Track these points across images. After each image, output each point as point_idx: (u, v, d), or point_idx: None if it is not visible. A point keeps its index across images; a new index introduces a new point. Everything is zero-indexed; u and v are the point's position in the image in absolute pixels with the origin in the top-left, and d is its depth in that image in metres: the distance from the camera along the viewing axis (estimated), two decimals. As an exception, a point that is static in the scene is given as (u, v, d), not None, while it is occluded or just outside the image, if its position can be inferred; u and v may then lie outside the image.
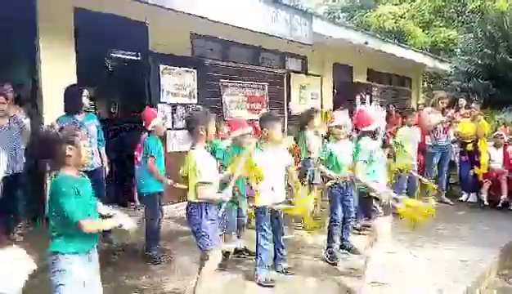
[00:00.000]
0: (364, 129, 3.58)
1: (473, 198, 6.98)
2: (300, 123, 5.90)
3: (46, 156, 2.28)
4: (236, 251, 4.17)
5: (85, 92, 4.38)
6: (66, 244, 2.20)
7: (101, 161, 4.60)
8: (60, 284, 2.18)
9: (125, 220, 2.35)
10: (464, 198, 7.07)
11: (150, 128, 4.24)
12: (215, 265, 3.10)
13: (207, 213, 2.99)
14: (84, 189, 2.26)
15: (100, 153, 4.60)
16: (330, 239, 4.27)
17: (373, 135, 3.60)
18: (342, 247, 4.45)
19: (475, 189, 6.94)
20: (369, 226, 3.82)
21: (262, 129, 3.73)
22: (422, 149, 6.98)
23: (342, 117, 4.58)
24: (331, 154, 4.28)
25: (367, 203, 3.50)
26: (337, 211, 4.27)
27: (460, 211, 6.43)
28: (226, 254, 3.72)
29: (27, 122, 4.65)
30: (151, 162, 4.13)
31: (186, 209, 3.10)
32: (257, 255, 3.72)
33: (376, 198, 3.43)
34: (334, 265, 4.15)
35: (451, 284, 3.70)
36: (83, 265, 2.24)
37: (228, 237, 4.07)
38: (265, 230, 3.67)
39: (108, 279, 2.50)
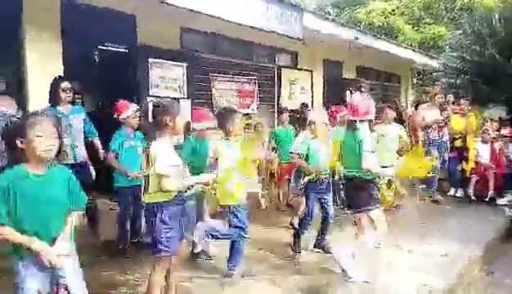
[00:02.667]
0: (364, 118, 3.61)
1: (460, 192, 7.06)
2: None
3: (7, 150, 2.16)
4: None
5: (64, 84, 4.27)
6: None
7: (97, 152, 4.57)
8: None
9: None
10: (452, 192, 7.16)
11: (121, 119, 4.24)
12: (162, 274, 2.86)
13: (162, 216, 2.74)
14: (26, 190, 2.06)
15: (94, 145, 4.57)
16: (299, 231, 4.33)
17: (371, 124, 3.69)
18: (316, 245, 4.42)
19: (463, 184, 7.03)
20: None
21: (222, 127, 3.63)
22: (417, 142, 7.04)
23: (315, 113, 4.54)
24: (309, 150, 4.26)
25: (366, 193, 3.55)
26: (311, 208, 4.24)
27: (447, 205, 6.51)
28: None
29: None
30: (110, 158, 4.14)
31: (145, 213, 2.94)
32: (233, 252, 3.64)
33: (377, 187, 3.54)
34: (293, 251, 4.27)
35: (434, 278, 3.74)
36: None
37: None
38: (244, 229, 3.55)
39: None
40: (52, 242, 2.13)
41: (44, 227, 2.12)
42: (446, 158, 7.17)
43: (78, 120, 4.38)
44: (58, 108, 4.22)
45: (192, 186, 3.04)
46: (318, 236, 4.42)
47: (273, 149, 6.54)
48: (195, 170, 3.53)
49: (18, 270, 2.12)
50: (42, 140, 2.09)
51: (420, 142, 7.04)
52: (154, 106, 2.95)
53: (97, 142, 4.60)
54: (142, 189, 2.87)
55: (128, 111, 4.25)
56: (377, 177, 3.68)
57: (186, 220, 3.01)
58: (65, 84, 4.28)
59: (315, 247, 4.44)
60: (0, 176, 2.09)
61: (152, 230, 2.78)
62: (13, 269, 2.14)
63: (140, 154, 4.20)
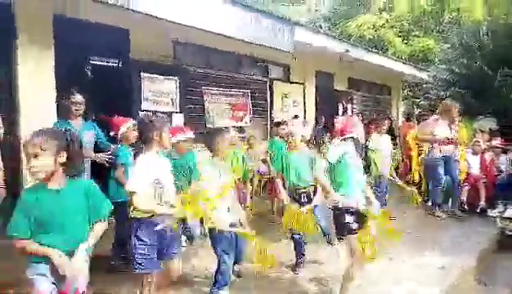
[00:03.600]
0: (346, 136, 3.48)
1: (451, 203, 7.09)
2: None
3: None
4: None
5: (75, 97, 4.25)
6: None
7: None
8: None
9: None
10: (439, 214, 7.09)
11: (119, 136, 4.16)
12: (146, 291, 2.78)
13: (138, 232, 2.70)
14: (42, 206, 2.15)
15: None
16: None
17: (357, 143, 3.50)
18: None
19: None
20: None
21: (210, 146, 3.49)
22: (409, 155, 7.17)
23: (294, 126, 4.55)
24: (288, 165, 4.23)
25: (339, 218, 3.30)
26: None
27: (439, 216, 6.52)
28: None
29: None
30: (120, 173, 3.97)
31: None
32: (216, 275, 3.43)
33: (351, 212, 3.24)
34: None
35: (426, 288, 3.74)
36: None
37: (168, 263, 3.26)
38: (227, 254, 3.36)
39: None
40: (72, 253, 2.18)
41: (62, 240, 2.18)
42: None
43: (88, 136, 4.32)
44: (70, 122, 4.17)
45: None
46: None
47: (264, 161, 6.53)
48: (179, 185, 3.42)
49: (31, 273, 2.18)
50: (27, 162, 2.15)
51: (416, 158, 7.11)
52: (139, 122, 2.95)
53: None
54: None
55: (125, 126, 4.17)
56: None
57: (169, 239, 2.86)
58: (77, 98, 4.25)
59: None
60: (22, 192, 2.21)
61: (129, 246, 2.75)
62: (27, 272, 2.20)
63: None
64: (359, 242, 3.24)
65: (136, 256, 2.71)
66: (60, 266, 2.12)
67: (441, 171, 6.47)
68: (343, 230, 3.30)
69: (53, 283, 2.18)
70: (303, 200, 4.17)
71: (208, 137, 3.61)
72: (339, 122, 3.74)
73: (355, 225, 3.25)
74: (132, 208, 2.75)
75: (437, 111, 6.90)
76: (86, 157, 4.24)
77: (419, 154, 7.18)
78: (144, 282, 2.78)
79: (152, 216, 2.70)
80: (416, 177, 7.24)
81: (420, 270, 4.21)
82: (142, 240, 2.71)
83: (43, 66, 4.92)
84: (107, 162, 4.27)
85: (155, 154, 2.81)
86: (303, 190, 4.20)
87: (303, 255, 4.31)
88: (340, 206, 3.24)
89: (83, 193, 2.29)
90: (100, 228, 2.35)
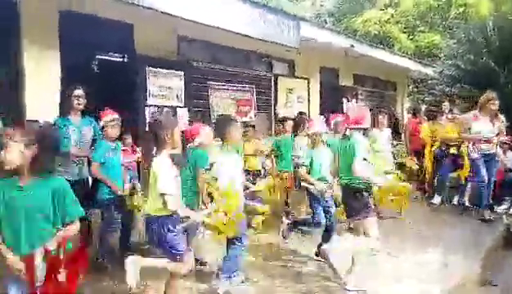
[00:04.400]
0: (358, 126, 3.65)
1: (456, 200, 7.08)
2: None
3: None
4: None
5: (77, 91, 4.20)
6: None
7: None
8: None
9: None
10: (435, 200, 7.11)
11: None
12: (185, 269, 3.00)
13: (169, 225, 2.84)
14: (4, 201, 2.12)
15: None
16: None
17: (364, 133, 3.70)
18: (318, 253, 4.40)
19: (459, 191, 7.05)
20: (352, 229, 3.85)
21: (220, 134, 3.56)
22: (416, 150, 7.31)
23: (319, 123, 4.59)
24: (312, 160, 4.30)
25: (360, 201, 3.54)
26: (320, 222, 4.27)
27: (443, 214, 6.51)
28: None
29: None
30: (94, 169, 4.01)
31: (146, 223, 2.95)
32: (224, 265, 3.54)
33: (370, 195, 3.52)
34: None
35: (431, 286, 3.74)
36: None
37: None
38: (237, 242, 3.47)
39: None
40: (31, 254, 2.08)
41: (17, 239, 2.12)
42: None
43: (88, 132, 4.27)
44: (69, 119, 4.15)
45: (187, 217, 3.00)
46: (320, 245, 4.39)
47: (267, 156, 6.53)
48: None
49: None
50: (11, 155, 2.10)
51: (428, 155, 7.12)
52: (150, 123, 2.97)
53: None
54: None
55: (104, 119, 4.08)
56: (370, 185, 3.67)
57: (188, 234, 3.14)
58: (79, 91, 4.21)
59: (316, 255, 4.43)
60: None
61: (161, 241, 2.86)
62: None
63: (120, 164, 4.20)
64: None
65: (173, 246, 2.85)
66: (15, 269, 2.07)
67: (483, 170, 6.06)
68: (365, 211, 3.58)
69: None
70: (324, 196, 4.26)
71: (219, 125, 3.65)
72: (352, 110, 3.80)
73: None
74: (159, 207, 2.81)
75: (478, 105, 6.35)
76: (82, 154, 4.22)
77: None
78: (176, 269, 2.93)
79: (174, 213, 2.84)
80: (428, 174, 7.27)
81: (424, 267, 4.22)
82: (174, 231, 2.86)
83: (49, 63, 4.92)
84: None
85: (168, 153, 2.87)
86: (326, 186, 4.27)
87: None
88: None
89: (49, 192, 2.18)
90: (68, 230, 2.23)
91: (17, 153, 2.09)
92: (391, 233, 4.38)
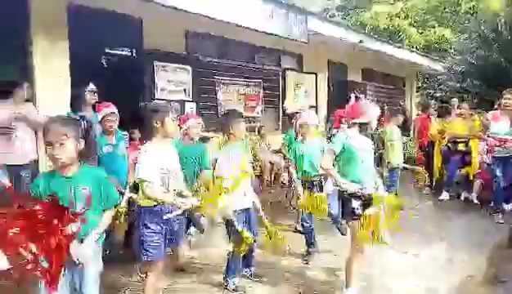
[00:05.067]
0: (353, 121, 3.36)
1: (464, 196, 7.04)
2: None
3: None
4: None
5: (90, 86, 4.21)
6: None
7: None
8: None
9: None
10: (443, 197, 7.08)
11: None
12: (155, 279, 2.86)
13: (146, 220, 2.71)
14: (60, 191, 2.16)
15: None
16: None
17: (364, 128, 3.36)
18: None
19: (467, 188, 7.02)
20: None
21: (227, 127, 3.49)
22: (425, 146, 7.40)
23: (306, 114, 4.51)
24: (301, 154, 4.27)
25: (346, 203, 3.27)
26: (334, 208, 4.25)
27: (450, 210, 6.49)
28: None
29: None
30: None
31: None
32: (228, 261, 3.51)
33: (357, 197, 3.19)
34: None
35: (438, 283, 3.75)
36: None
37: (176, 250, 3.59)
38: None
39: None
40: (81, 242, 2.20)
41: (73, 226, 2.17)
42: None
43: (98, 127, 4.19)
44: (83, 114, 4.18)
45: (178, 207, 2.67)
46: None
47: (277, 151, 6.55)
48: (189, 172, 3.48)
49: None
50: (49, 149, 2.18)
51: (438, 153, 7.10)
52: (142, 109, 2.88)
53: None
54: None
55: (101, 113, 3.95)
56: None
57: (177, 227, 2.89)
58: (93, 86, 4.21)
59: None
60: (35, 179, 2.22)
61: (138, 235, 2.77)
62: None
63: (123, 159, 4.05)
64: (366, 227, 3.19)
65: (144, 244, 2.71)
66: (72, 252, 2.12)
67: (498, 172, 5.82)
68: (348, 216, 3.27)
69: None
70: (315, 189, 4.21)
71: (223, 120, 3.60)
72: (349, 105, 3.63)
73: (359, 211, 3.20)
74: (139, 197, 2.77)
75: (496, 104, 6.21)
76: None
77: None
78: (150, 268, 2.83)
79: (160, 204, 2.69)
80: (436, 170, 7.26)
81: (431, 263, 4.22)
82: (150, 228, 2.72)
83: (58, 59, 4.97)
84: None
85: (160, 142, 2.75)
86: (315, 179, 4.25)
87: (313, 244, 4.35)
88: (348, 191, 3.19)
89: (94, 181, 2.31)
90: (108, 216, 2.38)
91: (73, 149, 2.19)
92: (399, 229, 4.35)
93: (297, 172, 4.36)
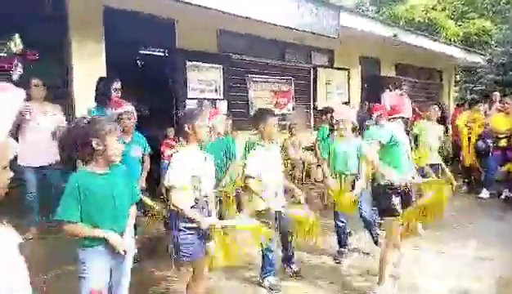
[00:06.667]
0: (395, 116, 3.37)
1: (506, 195, 6.74)
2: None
3: (73, 149, 2.21)
4: None
5: (115, 84, 4.21)
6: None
7: None
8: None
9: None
10: (483, 195, 6.80)
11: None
12: (199, 278, 2.82)
13: (179, 222, 2.67)
14: (99, 189, 2.20)
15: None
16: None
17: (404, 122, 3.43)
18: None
19: (508, 186, 6.72)
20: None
21: (259, 126, 3.48)
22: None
23: (343, 110, 4.40)
24: (335, 153, 4.16)
25: (384, 198, 3.26)
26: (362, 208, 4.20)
27: (491, 209, 6.23)
28: None
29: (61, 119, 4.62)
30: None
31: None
32: (264, 259, 3.55)
33: (397, 193, 3.20)
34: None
35: (474, 282, 3.64)
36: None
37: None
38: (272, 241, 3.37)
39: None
40: (120, 234, 2.29)
41: (115, 223, 2.26)
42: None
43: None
44: (104, 110, 4.27)
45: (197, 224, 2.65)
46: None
47: (308, 148, 6.49)
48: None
49: (85, 257, 2.23)
50: (118, 145, 2.27)
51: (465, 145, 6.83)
52: (178, 115, 2.93)
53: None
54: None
55: (119, 110, 3.78)
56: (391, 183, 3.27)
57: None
58: (117, 84, 4.20)
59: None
60: (70, 178, 2.20)
61: (172, 239, 2.77)
62: (79, 258, 2.25)
63: (135, 161, 3.89)
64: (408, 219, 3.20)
65: (181, 245, 2.68)
66: (118, 246, 2.21)
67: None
68: (387, 212, 3.25)
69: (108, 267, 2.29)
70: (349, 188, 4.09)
71: (256, 118, 3.59)
72: (389, 98, 3.49)
73: (399, 207, 3.21)
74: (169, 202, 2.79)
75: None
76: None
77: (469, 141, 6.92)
78: (187, 269, 2.90)
79: (192, 207, 2.65)
80: (467, 164, 6.98)
81: (467, 262, 4.09)
82: (184, 229, 2.68)
83: (95, 60, 5.15)
84: None
85: (192, 147, 2.75)
86: (349, 178, 4.11)
87: (346, 244, 4.30)
88: (393, 185, 3.18)
89: (125, 176, 2.39)
90: (134, 210, 2.49)
91: (118, 147, 2.28)
92: (436, 229, 4.24)
93: (332, 169, 4.24)
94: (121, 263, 2.33)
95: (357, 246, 4.49)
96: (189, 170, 2.64)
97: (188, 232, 2.66)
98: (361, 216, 4.26)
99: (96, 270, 2.23)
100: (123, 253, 2.25)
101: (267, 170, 3.40)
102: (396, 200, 3.21)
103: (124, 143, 3.89)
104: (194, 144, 2.75)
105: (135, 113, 3.90)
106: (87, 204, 2.17)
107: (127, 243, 2.28)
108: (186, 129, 2.71)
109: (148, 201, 3.70)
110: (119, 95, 4.29)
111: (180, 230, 2.67)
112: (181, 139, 2.85)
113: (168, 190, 2.69)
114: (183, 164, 2.65)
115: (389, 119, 3.40)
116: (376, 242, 4.37)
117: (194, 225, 2.64)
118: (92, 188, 2.18)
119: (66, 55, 5.05)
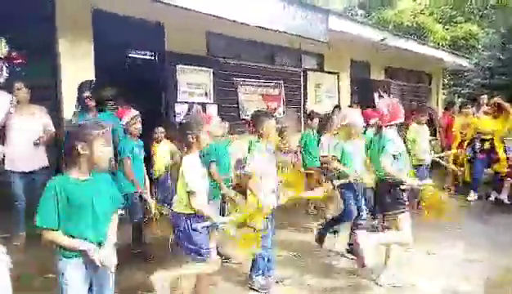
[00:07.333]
0: (393, 122, 3.56)
1: (493, 196, 6.81)
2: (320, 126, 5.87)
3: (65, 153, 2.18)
4: None
5: (86, 92, 4.40)
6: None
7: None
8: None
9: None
10: (471, 197, 6.86)
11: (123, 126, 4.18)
12: (192, 278, 3.00)
13: (193, 223, 2.85)
14: (80, 196, 2.12)
15: None
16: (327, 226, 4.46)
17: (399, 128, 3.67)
18: (349, 251, 4.35)
19: (496, 187, 6.79)
20: (388, 227, 3.77)
21: (257, 127, 3.52)
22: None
23: (353, 115, 4.46)
24: (343, 153, 4.21)
25: (393, 194, 3.49)
26: (351, 210, 4.21)
27: (478, 211, 6.29)
28: None
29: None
30: (127, 164, 4.02)
31: (173, 221, 2.98)
32: (254, 260, 3.55)
33: (403, 189, 3.47)
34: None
35: (463, 283, 3.68)
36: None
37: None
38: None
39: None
40: (99, 245, 2.17)
41: (93, 231, 2.17)
42: None
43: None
44: (88, 115, 4.32)
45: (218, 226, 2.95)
46: (350, 243, 4.30)
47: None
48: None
49: (64, 268, 2.14)
50: (105, 149, 2.19)
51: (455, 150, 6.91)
52: (180, 124, 3.14)
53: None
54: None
55: (126, 117, 4.09)
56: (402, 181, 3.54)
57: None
58: (88, 93, 4.40)
59: (348, 252, 4.37)
60: (48, 183, 2.12)
61: (187, 240, 2.87)
62: (58, 269, 2.17)
63: (141, 162, 4.19)
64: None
65: (196, 245, 2.85)
66: (95, 260, 2.10)
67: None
68: (397, 205, 3.50)
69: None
70: (356, 189, 4.22)
71: (254, 121, 3.62)
72: (385, 105, 3.60)
73: (407, 200, 3.52)
74: (183, 205, 2.87)
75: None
76: None
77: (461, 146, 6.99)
78: (193, 270, 2.96)
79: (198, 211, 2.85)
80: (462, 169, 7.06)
81: (456, 263, 4.12)
82: (198, 230, 2.86)
83: (83, 62, 5.10)
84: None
85: (196, 155, 2.96)
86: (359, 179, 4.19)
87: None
88: (403, 183, 3.47)
89: (107, 183, 2.31)
90: (116, 218, 2.38)
91: (104, 151, 2.21)
92: (425, 230, 4.27)
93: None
94: (102, 275, 2.23)
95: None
96: (199, 174, 2.89)
97: (204, 232, 2.89)
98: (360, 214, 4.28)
99: (75, 282, 2.15)
100: (99, 265, 2.12)
101: (267, 168, 3.47)
102: (405, 195, 3.51)
103: (138, 145, 4.15)
104: (196, 152, 2.95)
105: (137, 120, 4.12)
106: (65, 211, 2.08)
107: (105, 254, 2.14)
108: (190, 139, 2.90)
109: (153, 205, 3.95)
110: (93, 103, 4.54)
111: (195, 231, 2.85)
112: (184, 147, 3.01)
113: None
114: (195, 169, 2.88)
115: (387, 125, 3.50)
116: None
117: (208, 224, 2.86)
118: (70, 194, 2.10)
119: (54, 57, 4.99)
